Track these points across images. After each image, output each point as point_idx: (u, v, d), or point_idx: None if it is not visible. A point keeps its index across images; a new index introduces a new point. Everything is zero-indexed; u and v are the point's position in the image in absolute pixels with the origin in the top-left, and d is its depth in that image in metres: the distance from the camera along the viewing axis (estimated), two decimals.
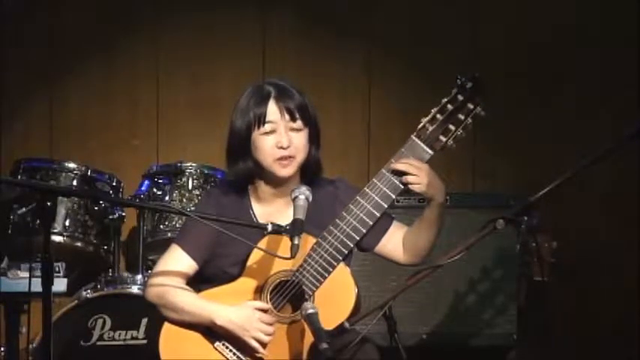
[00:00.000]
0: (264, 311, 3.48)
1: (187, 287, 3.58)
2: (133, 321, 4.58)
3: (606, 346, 5.40)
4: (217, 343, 3.52)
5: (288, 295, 3.51)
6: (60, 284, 4.31)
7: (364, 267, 4.71)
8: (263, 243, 3.46)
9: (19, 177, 4.77)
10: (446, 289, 4.89)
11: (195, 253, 3.59)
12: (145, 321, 4.56)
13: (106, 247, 4.86)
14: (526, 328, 4.61)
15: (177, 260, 3.60)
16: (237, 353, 3.50)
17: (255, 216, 3.61)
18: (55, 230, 4.68)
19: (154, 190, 4.90)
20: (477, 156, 5.67)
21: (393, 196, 3.50)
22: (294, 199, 3.43)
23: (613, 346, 5.40)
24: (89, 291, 4.62)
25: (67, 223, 4.75)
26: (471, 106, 3.48)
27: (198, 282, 3.63)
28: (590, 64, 5.62)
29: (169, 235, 4.80)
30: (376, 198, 3.50)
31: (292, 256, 3.33)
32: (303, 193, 3.43)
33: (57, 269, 4.29)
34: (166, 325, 3.56)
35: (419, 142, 3.49)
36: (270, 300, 3.50)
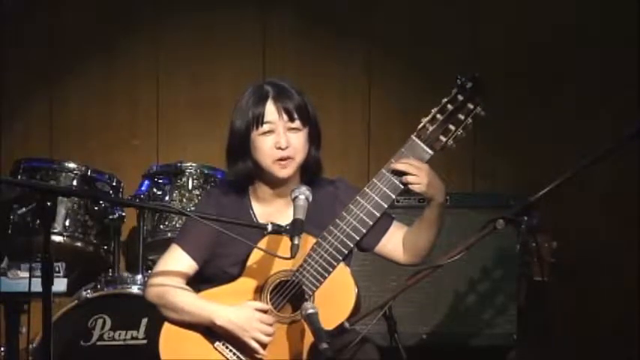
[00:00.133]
0: (264, 311, 3.48)
1: (187, 287, 3.58)
2: (133, 321, 4.58)
3: (606, 346, 5.40)
4: (217, 343, 3.52)
5: (288, 295, 3.50)
6: (60, 284, 4.30)
7: (364, 267, 4.71)
8: (263, 243, 3.46)
9: (19, 177, 4.76)
10: (446, 289, 4.89)
11: (195, 253, 3.59)
12: (145, 321, 4.56)
13: (106, 247, 4.86)
14: (526, 328, 4.61)
15: (177, 260, 3.60)
16: (237, 353, 3.50)
17: (255, 216, 3.61)
18: (55, 230, 4.68)
19: (154, 190, 4.90)
20: (477, 156, 5.66)
21: (393, 196, 3.50)
22: (294, 199, 3.43)
23: (613, 346, 5.40)
24: (89, 291, 4.62)
25: (67, 223, 4.75)
26: (471, 106, 3.47)
27: (198, 282, 3.63)
28: (590, 64, 5.61)
29: (169, 235, 4.80)
30: (376, 198, 3.50)
31: (292, 256, 3.33)
32: (303, 193, 3.43)
33: (57, 269, 4.29)
34: (166, 325, 3.56)
35: (419, 142, 3.49)
36: (270, 300, 3.50)
